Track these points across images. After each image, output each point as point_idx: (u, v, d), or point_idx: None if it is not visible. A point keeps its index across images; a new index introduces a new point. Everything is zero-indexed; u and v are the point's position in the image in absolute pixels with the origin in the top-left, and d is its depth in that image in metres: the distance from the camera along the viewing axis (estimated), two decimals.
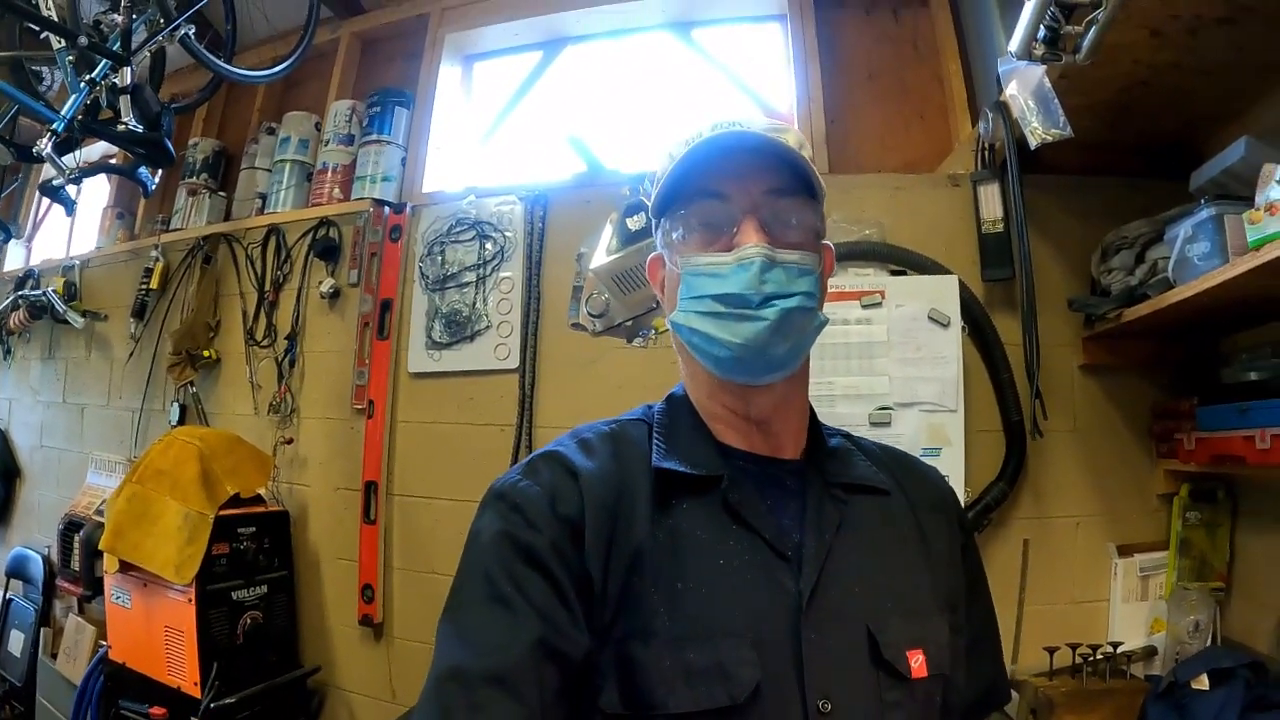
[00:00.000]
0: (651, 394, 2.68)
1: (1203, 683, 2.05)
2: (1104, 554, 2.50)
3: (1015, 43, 1.68)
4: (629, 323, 2.87)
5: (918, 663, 0.99)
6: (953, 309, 2.35)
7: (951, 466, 2.31)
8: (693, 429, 1.10)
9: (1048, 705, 2.16)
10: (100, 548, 3.17)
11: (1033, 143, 1.98)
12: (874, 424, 2.35)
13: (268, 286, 3.86)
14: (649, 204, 1.13)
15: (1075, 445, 2.54)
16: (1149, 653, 2.37)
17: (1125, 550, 2.48)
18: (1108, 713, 2.18)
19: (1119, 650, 2.31)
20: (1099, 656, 2.26)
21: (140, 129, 3.10)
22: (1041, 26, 1.63)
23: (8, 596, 4.53)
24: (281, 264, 3.84)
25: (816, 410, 1.19)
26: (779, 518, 1.03)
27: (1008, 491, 2.42)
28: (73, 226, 5.34)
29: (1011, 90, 2.02)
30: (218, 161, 4.46)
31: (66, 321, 4.62)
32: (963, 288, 2.42)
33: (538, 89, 3.71)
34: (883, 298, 2.41)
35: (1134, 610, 2.43)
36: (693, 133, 1.05)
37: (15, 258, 5.66)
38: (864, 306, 2.41)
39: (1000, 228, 2.42)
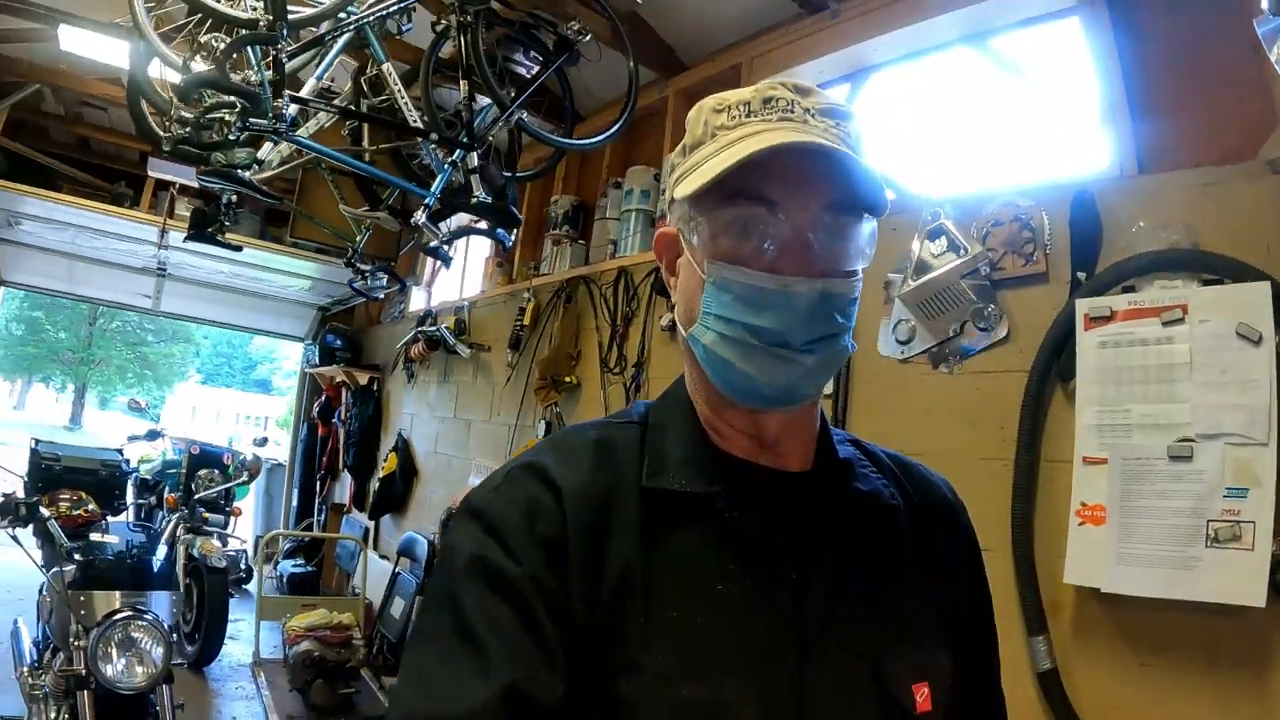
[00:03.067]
0: (955, 421, 2.61)
1: None
2: None
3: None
4: (934, 348, 2.73)
5: (922, 696, 0.88)
6: (1265, 322, 1.95)
7: (1258, 511, 1.88)
8: (689, 435, 0.94)
9: None
10: None
11: None
12: (1173, 458, 2.04)
13: (618, 321, 4.17)
14: (671, 179, 0.94)
15: None
16: None
17: None
18: None
19: None
20: None
21: (489, 199, 3.54)
22: None
23: (396, 570, 5.34)
24: (629, 301, 4.14)
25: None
26: (782, 538, 0.89)
27: None
28: (464, 273, 6.10)
29: (1277, 51, 1.63)
30: (576, 214, 4.90)
31: (456, 351, 5.32)
32: None
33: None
34: (1184, 313, 2.07)
35: None
36: (738, 102, 0.87)
37: (418, 300, 6.63)
38: (1164, 324, 2.09)
39: None
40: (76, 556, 3.64)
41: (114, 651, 3.19)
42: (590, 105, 4.81)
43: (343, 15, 3.30)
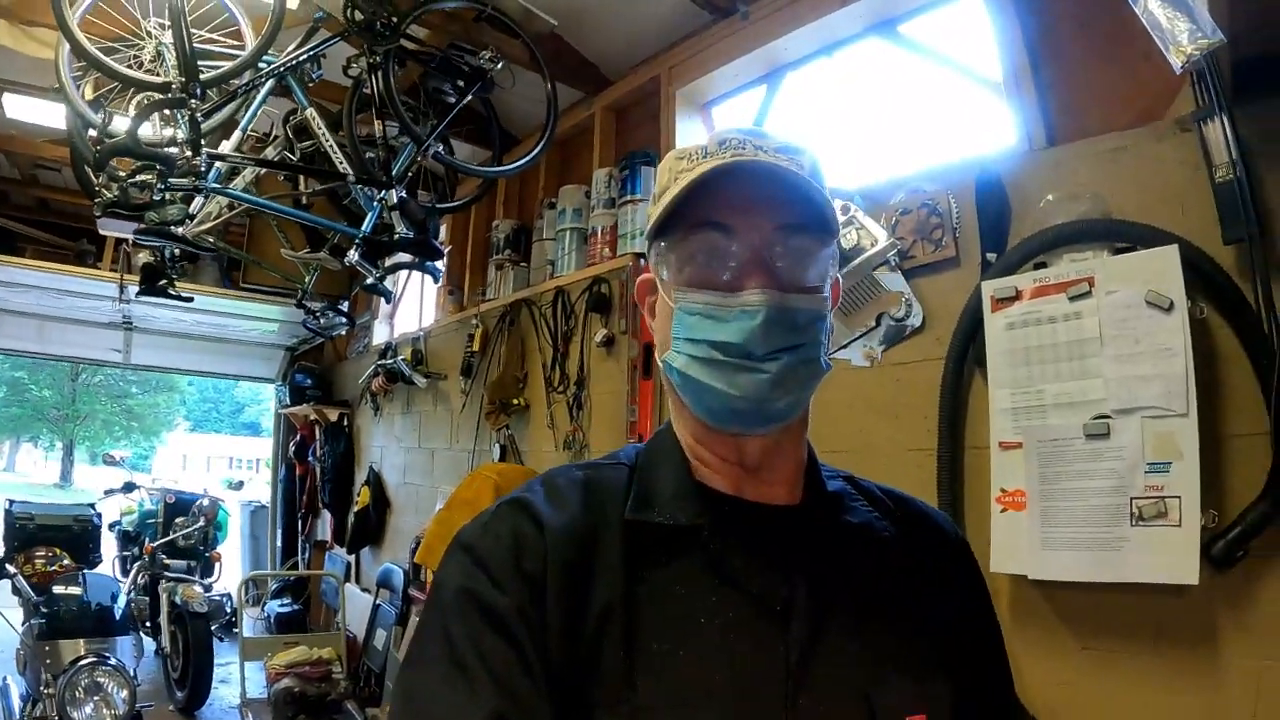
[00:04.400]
0: (880, 414, 2.48)
1: None
2: None
3: None
4: (852, 342, 2.57)
5: None
6: (1175, 287, 1.75)
7: (1183, 485, 1.69)
8: (675, 473, 0.91)
9: None
10: (416, 561, 3.65)
11: (1177, 64, 1.40)
12: (1090, 436, 1.84)
13: (559, 341, 4.01)
14: (649, 219, 0.93)
15: None
16: None
17: None
18: None
19: None
20: None
21: (411, 233, 3.44)
22: None
23: (376, 602, 5.18)
24: (567, 320, 3.98)
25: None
26: (768, 570, 0.85)
27: (1272, 515, 1.68)
28: (421, 304, 5.90)
29: (1143, 4, 1.45)
30: (518, 237, 4.68)
31: (413, 382, 5.13)
32: (1202, 258, 1.80)
33: (769, 121, 3.48)
34: (1091, 286, 1.89)
35: None
36: (697, 148, 0.89)
37: (381, 333, 6.40)
38: (1071, 299, 1.91)
39: (1231, 174, 1.76)
40: (43, 609, 3.71)
41: (82, 696, 3.27)
42: (526, 127, 4.62)
43: (262, 65, 3.18)
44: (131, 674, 3.46)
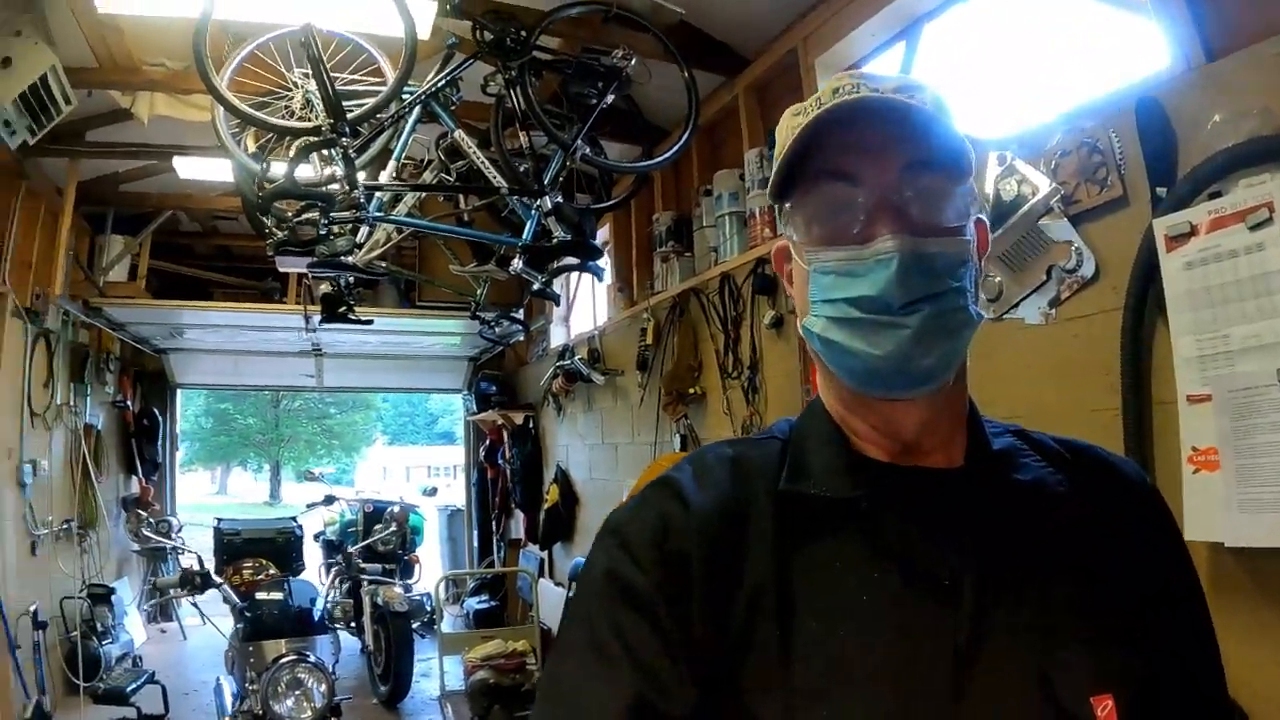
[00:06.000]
0: (1058, 374, 2.43)
1: None
2: None
3: None
4: (1025, 299, 2.45)
5: (1104, 709, 0.74)
6: None
7: None
8: (828, 443, 0.87)
9: None
10: None
11: None
12: None
13: (729, 326, 4.07)
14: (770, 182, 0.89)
15: None
16: None
17: None
18: None
19: None
20: None
21: (568, 236, 3.57)
22: None
23: (569, 595, 5.35)
24: (735, 304, 4.03)
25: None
26: (933, 541, 0.79)
27: None
28: (594, 303, 6.09)
29: None
30: (679, 228, 4.76)
31: (591, 380, 5.34)
32: None
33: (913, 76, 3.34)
34: (1271, 211, 1.69)
35: None
36: (811, 101, 0.84)
37: (558, 336, 6.69)
38: (1251, 229, 1.72)
39: None
40: (247, 614, 4.07)
41: (283, 691, 3.58)
42: (672, 119, 4.66)
43: (404, 96, 3.40)
44: (330, 670, 3.78)
